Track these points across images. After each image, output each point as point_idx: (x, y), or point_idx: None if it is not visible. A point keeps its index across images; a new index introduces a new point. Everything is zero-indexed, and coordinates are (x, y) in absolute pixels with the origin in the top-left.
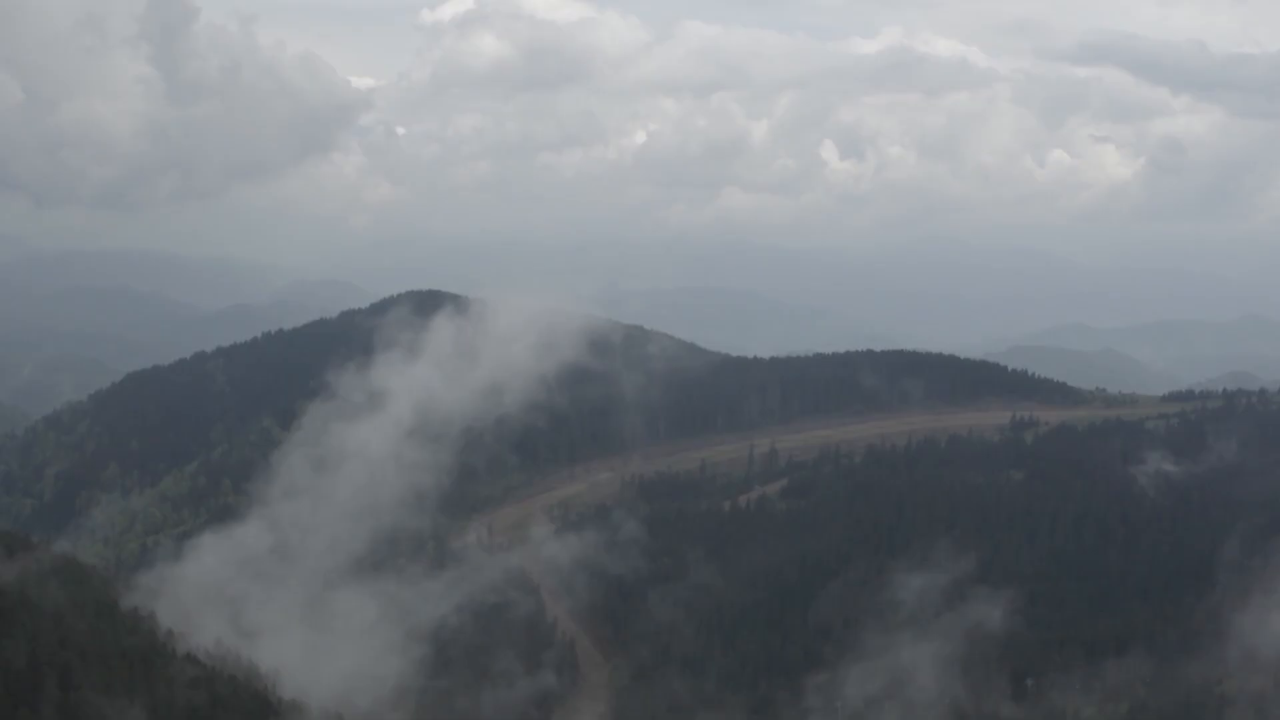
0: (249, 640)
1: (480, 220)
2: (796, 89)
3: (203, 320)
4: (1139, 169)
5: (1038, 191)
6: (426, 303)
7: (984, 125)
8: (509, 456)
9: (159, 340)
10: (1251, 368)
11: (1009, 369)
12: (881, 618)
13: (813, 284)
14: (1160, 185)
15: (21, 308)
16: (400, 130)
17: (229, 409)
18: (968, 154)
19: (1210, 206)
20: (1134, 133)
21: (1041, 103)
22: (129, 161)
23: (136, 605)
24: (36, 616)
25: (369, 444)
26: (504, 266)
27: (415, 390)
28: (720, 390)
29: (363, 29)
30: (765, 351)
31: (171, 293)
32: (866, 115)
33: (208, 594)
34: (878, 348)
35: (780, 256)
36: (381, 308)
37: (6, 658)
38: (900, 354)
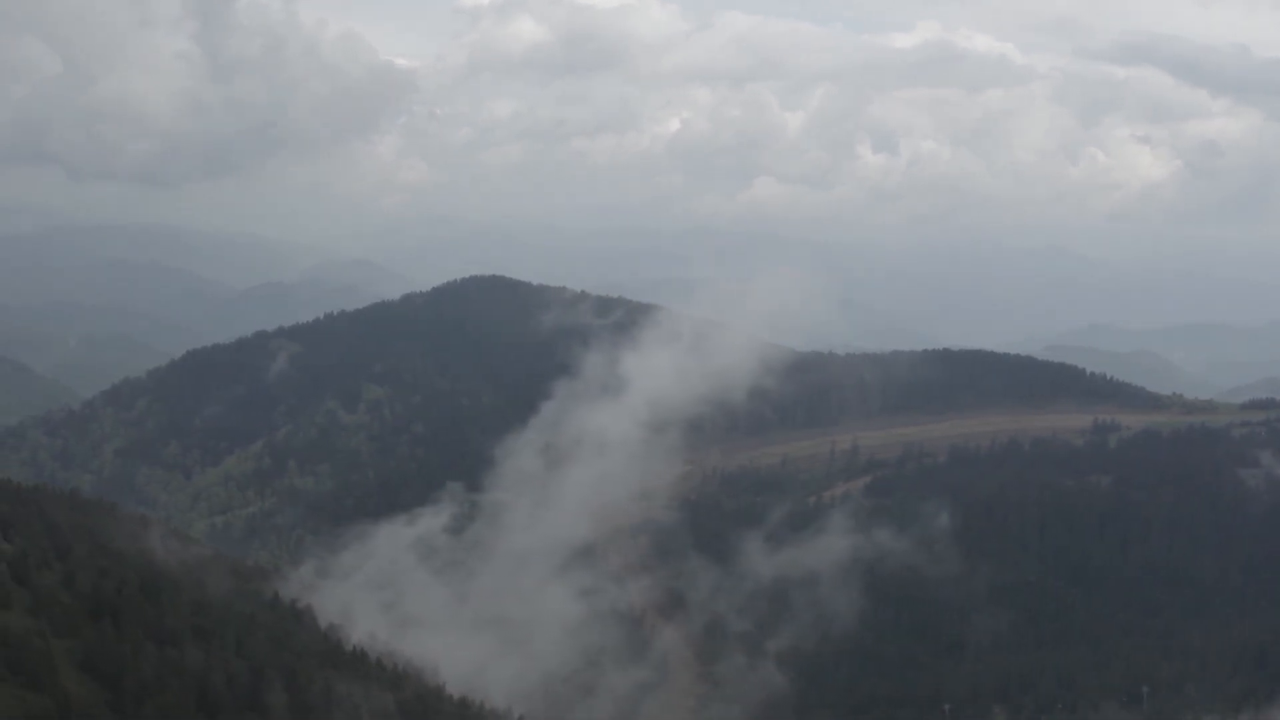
0: (399, 632)
1: (509, 204)
2: (832, 81)
3: (234, 297)
4: (1174, 170)
5: (1071, 190)
6: (489, 288)
7: (1019, 122)
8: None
9: (191, 316)
10: None
11: (1088, 372)
12: (970, 619)
13: (842, 277)
14: (1194, 187)
15: (52, 281)
16: (437, 112)
17: (292, 389)
18: (1001, 151)
19: (1243, 210)
20: (1171, 134)
21: (1078, 101)
22: (165, 137)
23: (295, 599)
24: (235, 615)
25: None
26: (531, 251)
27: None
28: (800, 386)
29: (401, 10)
30: (790, 344)
31: (199, 269)
32: (901, 109)
33: (346, 587)
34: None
35: (809, 249)
36: (444, 291)
37: (225, 659)
38: (978, 354)
